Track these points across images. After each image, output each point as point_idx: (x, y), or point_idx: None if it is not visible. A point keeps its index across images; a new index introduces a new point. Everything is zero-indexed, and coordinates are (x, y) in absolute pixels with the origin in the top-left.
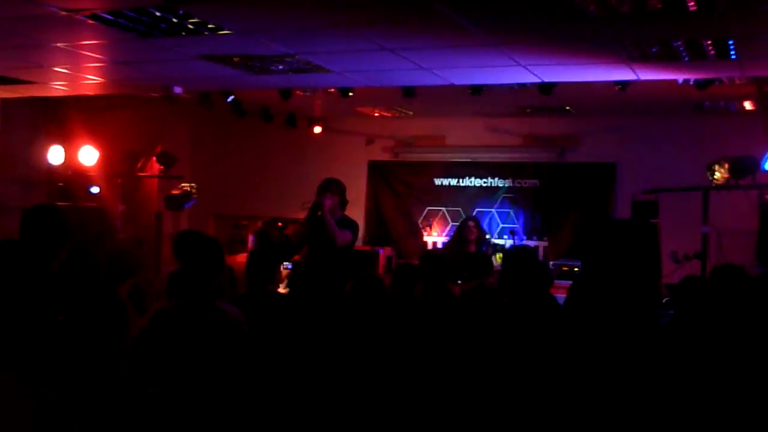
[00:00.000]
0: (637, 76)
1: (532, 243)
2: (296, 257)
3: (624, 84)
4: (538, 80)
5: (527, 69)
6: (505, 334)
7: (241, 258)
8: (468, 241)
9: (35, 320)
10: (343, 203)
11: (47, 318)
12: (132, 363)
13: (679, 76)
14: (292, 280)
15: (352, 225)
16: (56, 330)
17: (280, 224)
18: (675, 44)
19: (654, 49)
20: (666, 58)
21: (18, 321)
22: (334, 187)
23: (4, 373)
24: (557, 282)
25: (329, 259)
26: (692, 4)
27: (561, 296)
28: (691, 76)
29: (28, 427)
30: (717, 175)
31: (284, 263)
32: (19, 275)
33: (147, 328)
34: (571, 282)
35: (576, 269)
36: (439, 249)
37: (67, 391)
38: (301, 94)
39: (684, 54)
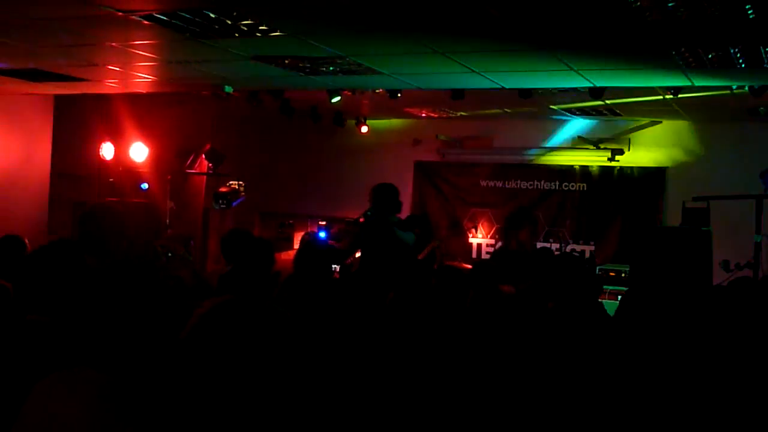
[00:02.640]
0: (692, 82)
1: (578, 247)
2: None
3: (677, 89)
4: (591, 85)
5: (580, 74)
6: (551, 342)
7: (287, 256)
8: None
9: (95, 319)
10: (395, 207)
11: (106, 317)
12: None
13: (735, 83)
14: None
15: (409, 232)
16: (117, 327)
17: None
18: (732, 51)
19: (710, 56)
20: (722, 64)
21: (79, 320)
22: (376, 196)
23: (75, 369)
24: (604, 286)
25: (387, 269)
26: (752, 10)
27: (607, 301)
28: (747, 83)
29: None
30: None
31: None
32: (75, 275)
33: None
34: (617, 286)
35: (623, 274)
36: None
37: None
38: (350, 94)
39: (741, 60)
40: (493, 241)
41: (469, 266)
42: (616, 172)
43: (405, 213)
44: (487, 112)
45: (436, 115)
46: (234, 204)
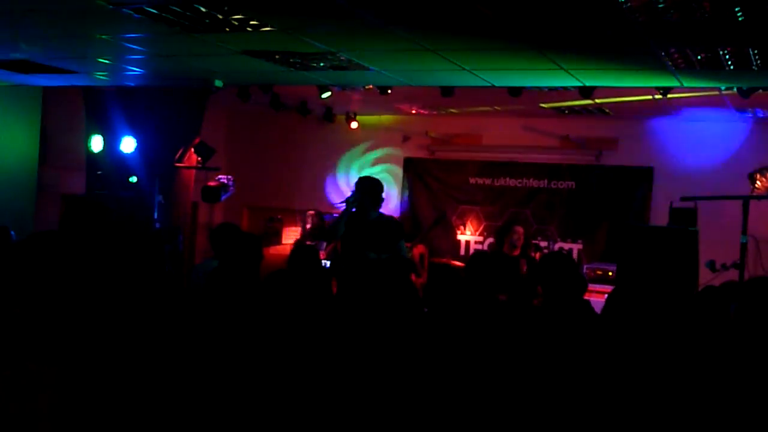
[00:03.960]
0: (681, 83)
1: (566, 245)
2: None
3: (666, 89)
4: (580, 84)
5: (570, 73)
6: (539, 340)
7: (275, 250)
8: (515, 247)
9: (77, 311)
10: (377, 202)
11: (89, 308)
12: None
13: (723, 84)
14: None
15: (397, 229)
16: (100, 320)
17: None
18: (721, 52)
19: (699, 57)
20: (711, 66)
21: (59, 313)
22: (361, 187)
23: (43, 366)
24: (592, 285)
25: (369, 262)
26: (741, 13)
27: (594, 300)
28: (735, 85)
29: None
30: (758, 183)
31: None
32: (60, 267)
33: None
34: (605, 285)
35: (610, 273)
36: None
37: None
38: (340, 90)
39: (729, 62)
40: (481, 239)
41: (459, 263)
42: (603, 170)
43: (394, 209)
44: (476, 109)
45: (425, 112)
46: (222, 198)
